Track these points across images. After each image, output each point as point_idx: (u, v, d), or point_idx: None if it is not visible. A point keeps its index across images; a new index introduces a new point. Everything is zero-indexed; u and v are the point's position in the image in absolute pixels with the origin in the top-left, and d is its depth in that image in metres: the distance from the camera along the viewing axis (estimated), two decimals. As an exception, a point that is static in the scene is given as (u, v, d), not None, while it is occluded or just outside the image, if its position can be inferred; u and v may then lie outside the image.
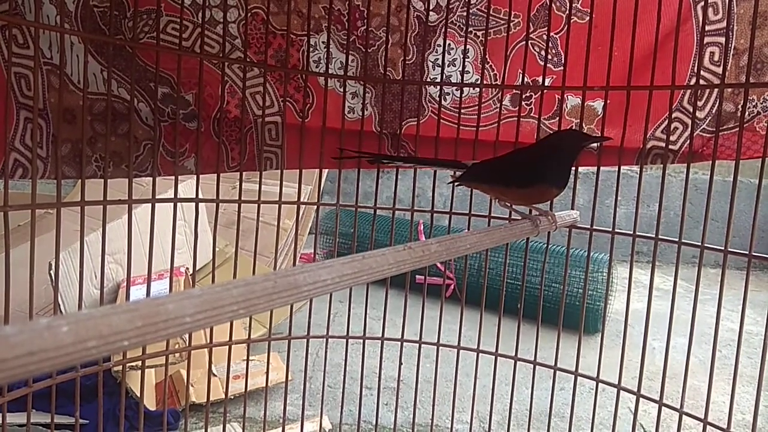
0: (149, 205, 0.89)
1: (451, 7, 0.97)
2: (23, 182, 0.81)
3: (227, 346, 0.99)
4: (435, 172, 1.02)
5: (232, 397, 1.51)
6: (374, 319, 1.72)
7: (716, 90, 0.88)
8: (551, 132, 0.98)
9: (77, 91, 0.82)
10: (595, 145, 0.97)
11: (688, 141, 0.91)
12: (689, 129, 0.90)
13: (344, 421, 1.49)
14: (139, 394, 0.96)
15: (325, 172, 1.86)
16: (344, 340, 1.07)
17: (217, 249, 1.19)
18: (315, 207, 1.11)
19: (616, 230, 0.94)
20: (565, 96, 0.97)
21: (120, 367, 1.03)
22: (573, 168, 0.81)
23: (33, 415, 0.81)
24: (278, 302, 0.37)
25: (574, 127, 0.98)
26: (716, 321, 0.84)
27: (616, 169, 0.95)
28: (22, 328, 0.24)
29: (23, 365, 0.24)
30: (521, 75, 0.97)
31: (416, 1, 0.97)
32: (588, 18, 0.92)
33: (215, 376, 1.47)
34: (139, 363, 0.94)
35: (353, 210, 1.05)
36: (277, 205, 1.00)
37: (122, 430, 0.91)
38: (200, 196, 0.96)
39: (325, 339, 1.06)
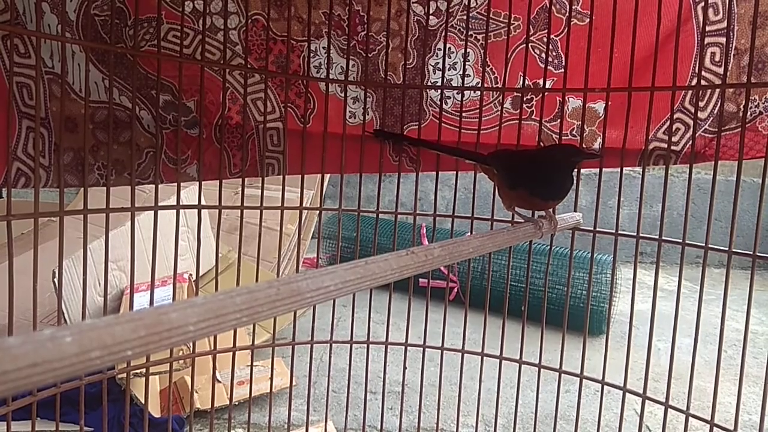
0: (152, 212, 0.89)
1: (451, 11, 0.97)
2: (26, 191, 0.81)
3: (231, 353, 0.99)
4: (437, 175, 1.02)
5: (237, 403, 1.51)
6: (378, 323, 1.72)
7: (717, 90, 0.88)
8: (552, 135, 0.99)
9: (79, 99, 0.82)
10: (595, 149, 0.97)
11: (690, 142, 0.91)
12: (691, 130, 0.90)
13: (349, 426, 1.48)
14: (143, 401, 0.96)
15: (327, 176, 1.86)
16: (348, 345, 1.07)
17: (220, 255, 1.19)
18: (317, 212, 1.11)
19: (620, 231, 0.94)
20: (566, 98, 0.97)
21: (124, 375, 1.03)
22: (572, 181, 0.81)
23: (38, 423, 0.81)
24: (281, 309, 0.37)
25: (575, 130, 0.98)
26: (721, 321, 0.83)
27: (619, 170, 0.95)
28: (26, 340, 0.24)
29: (27, 377, 0.24)
30: (522, 78, 0.97)
31: (416, 6, 0.97)
32: (588, 20, 0.92)
33: (219, 382, 1.47)
34: (144, 370, 0.94)
35: (355, 214, 1.05)
36: (279, 211, 1.00)
37: (127, 437, 0.91)
38: (203, 202, 0.96)
39: (329, 344, 1.06)
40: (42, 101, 0.78)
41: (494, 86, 0.99)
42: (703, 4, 0.85)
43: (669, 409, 0.90)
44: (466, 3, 0.96)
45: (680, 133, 0.92)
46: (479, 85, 0.99)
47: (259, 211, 0.97)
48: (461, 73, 0.99)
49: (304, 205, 1.02)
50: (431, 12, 0.97)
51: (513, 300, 1.00)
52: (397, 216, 1.04)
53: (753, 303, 0.83)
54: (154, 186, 0.90)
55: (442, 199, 3.76)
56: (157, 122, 0.89)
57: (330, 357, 1.06)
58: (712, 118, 0.90)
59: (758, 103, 0.88)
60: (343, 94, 1.00)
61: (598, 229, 0.94)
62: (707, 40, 0.86)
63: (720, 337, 0.84)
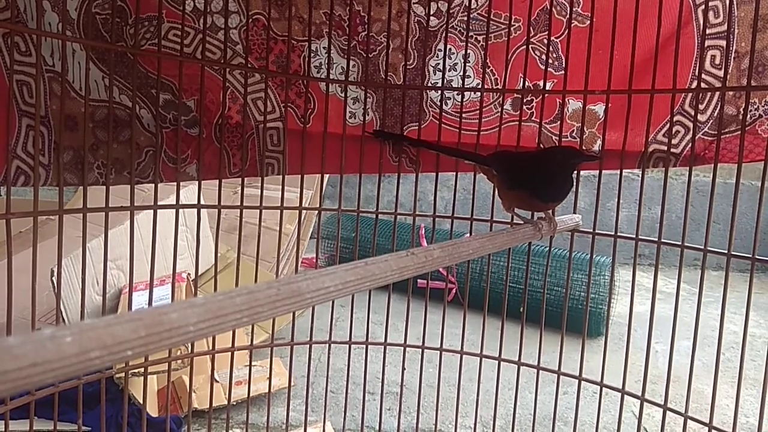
0: (151, 211, 0.89)
1: (451, 12, 0.97)
2: (25, 189, 0.81)
3: (230, 352, 0.99)
4: (437, 176, 1.02)
5: (235, 403, 1.51)
6: (377, 323, 1.72)
7: (717, 93, 0.88)
8: (552, 136, 0.99)
9: (79, 98, 0.82)
10: (595, 151, 0.97)
11: (690, 144, 0.91)
12: (691, 132, 0.90)
13: (347, 427, 1.48)
14: (141, 401, 0.96)
15: (327, 176, 1.86)
16: (347, 345, 1.07)
17: (218, 254, 1.19)
18: (316, 212, 1.11)
19: (619, 233, 0.94)
20: (566, 100, 0.97)
21: (122, 374, 1.03)
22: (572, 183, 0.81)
23: (36, 422, 0.81)
24: (281, 310, 0.37)
25: (575, 132, 0.98)
26: (720, 324, 0.84)
27: (618, 172, 0.95)
28: (26, 339, 0.24)
29: (27, 376, 0.24)
30: (522, 79, 0.97)
31: (417, 6, 0.97)
32: (588, 22, 0.92)
33: (218, 382, 1.47)
34: (142, 370, 0.94)
35: (355, 215, 1.05)
36: (278, 211, 1.00)
37: (125, 437, 0.91)
38: (202, 201, 0.96)
39: (327, 344, 1.06)
40: (42, 99, 0.78)
41: (494, 87, 0.99)
42: (703, 6, 0.86)
43: (667, 412, 0.90)
44: (467, 4, 0.96)
45: (680, 135, 0.92)
46: (479, 87, 0.99)
47: (258, 210, 0.97)
48: (461, 74, 0.99)
49: (303, 205, 1.02)
50: (432, 13, 0.97)
51: (512, 301, 1.00)
52: (397, 216, 1.04)
53: (751, 306, 0.83)
54: (153, 185, 0.90)
55: (441, 199, 3.76)
56: (157, 121, 0.89)
57: (328, 357, 1.06)
58: (711, 121, 0.90)
59: (758, 106, 0.88)
60: (343, 95, 1.00)
61: (597, 230, 0.95)
62: (707, 42, 0.87)
63: (718, 339, 0.84)
